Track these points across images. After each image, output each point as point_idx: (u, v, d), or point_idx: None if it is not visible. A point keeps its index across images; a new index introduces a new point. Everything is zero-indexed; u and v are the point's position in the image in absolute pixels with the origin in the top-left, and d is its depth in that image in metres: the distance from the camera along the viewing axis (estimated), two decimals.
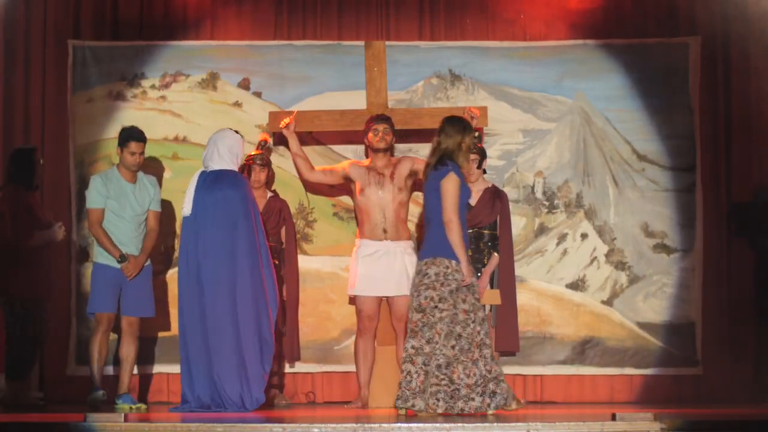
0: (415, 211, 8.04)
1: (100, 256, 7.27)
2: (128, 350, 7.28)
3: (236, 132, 7.12)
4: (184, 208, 6.88)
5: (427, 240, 6.44)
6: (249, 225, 6.80)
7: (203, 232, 6.78)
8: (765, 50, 8.11)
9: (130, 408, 7.05)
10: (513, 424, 5.33)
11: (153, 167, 7.95)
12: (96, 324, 7.23)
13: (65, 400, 7.83)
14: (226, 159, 6.97)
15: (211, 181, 6.89)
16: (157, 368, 8.01)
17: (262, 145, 7.72)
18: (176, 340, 6.93)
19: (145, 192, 7.32)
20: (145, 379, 8.00)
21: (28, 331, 7.39)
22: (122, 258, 7.19)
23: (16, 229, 7.30)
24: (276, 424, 5.31)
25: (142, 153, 7.29)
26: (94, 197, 7.24)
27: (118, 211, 7.22)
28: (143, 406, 7.23)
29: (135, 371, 7.78)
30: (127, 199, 7.23)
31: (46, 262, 7.58)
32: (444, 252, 6.32)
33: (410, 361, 6.25)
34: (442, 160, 6.42)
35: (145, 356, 7.87)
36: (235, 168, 7.00)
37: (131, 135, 7.27)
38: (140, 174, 7.35)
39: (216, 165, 6.94)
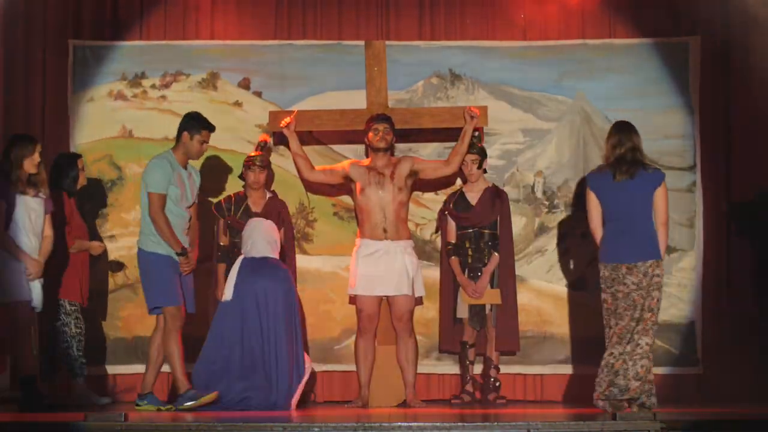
0: (415, 210, 8.05)
1: (155, 245, 6.86)
2: (171, 347, 6.86)
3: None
4: (226, 292, 7.06)
5: (649, 240, 6.41)
6: (291, 313, 7.07)
7: (247, 312, 7.01)
8: (765, 50, 8.10)
9: (158, 409, 6.82)
10: (513, 423, 5.33)
11: None
12: (164, 320, 6.83)
13: (65, 400, 7.83)
14: (266, 246, 7.15)
15: (253, 268, 7.07)
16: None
17: (262, 146, 7.72)
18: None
19: (194, 182, 7.11)
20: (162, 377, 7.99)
21: (81, 326, 7.38)
22: (183, 251, 6.89)
23: (56, 234, 7.21)
24: (276, 424, 5.31)
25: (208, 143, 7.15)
26: (159, 181, 6.84)
27: (177, 199, 6.92)
28: (172, 407, 6.85)
29: (135, 371, 7.80)
30: (185, 188, 6.99)
31: (84, 267, 7.53)
32: (659, 253, 6.44)
33: (647, 357, 6.38)
34: (644, 164, 6.54)
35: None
36: (276, 255, 7.22)
37: (206, 123, 7.01)
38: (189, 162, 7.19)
39: (257, 253, 7.13)
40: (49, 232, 7.00)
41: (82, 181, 7.61)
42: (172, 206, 6.88)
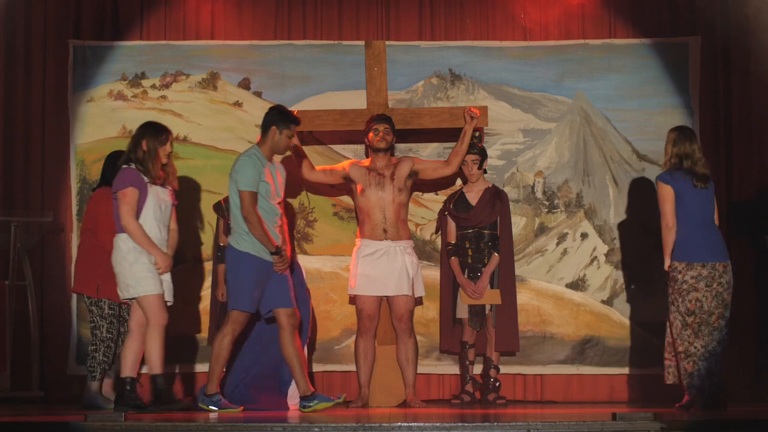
0: (415, 211, 8.05)
1: (248, 244, 6.63)
2: (220, 349, 6.67)
3: None
4: None
5: (720, 242, 6.74)
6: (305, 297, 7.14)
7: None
8: (765, 50, 8.11)
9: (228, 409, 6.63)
10: (513, 424, 5.33)
11: None
12: (233, 320, 6.67)
13: (65, 400, 7.84)
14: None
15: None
16: (183, 367, 8.01)
17: None
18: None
19: (281, 176, 6.88)
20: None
21: (113, 332, 7.24)
22: (277, 250, 6.64)
23: (102, 231, 7.15)
24: (276, 424, 5.31)
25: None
26: (252, 178, 6.62)
27: (267, 195, 6.69)
28: (240, 408, 6.68)
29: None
30: (274, 183, 6.76)
31: None
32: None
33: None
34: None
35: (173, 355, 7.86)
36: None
37: (293, 118, 6.84)
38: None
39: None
40: (174, 225, 6.72)
41: None
42: (263, 202, 6.66)
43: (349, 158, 7.91)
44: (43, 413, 6.58)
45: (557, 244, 8.18)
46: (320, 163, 7.89)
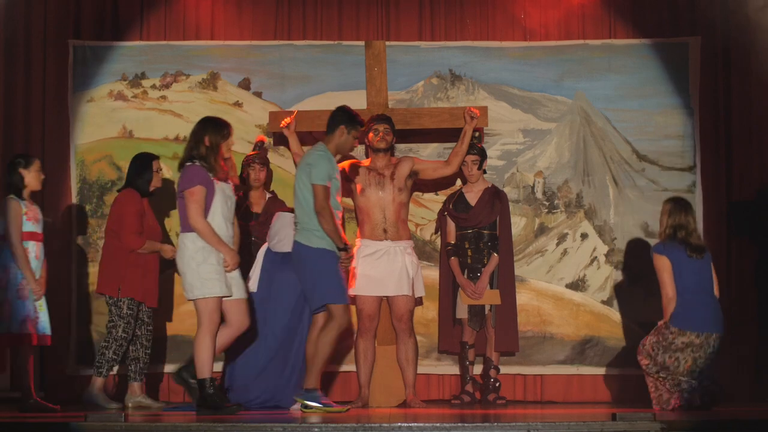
0: (415, 211, 8.05)
1: (320, 240, 6.60)
2: (326, 348, 6.59)
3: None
4: (251, 284, 6.98)
5: (717, 313, 6.84)
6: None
7: (271, 310, 7.01)
8: (765, 50, 8.10)
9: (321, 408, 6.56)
10: (513, 424, 5.33)
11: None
12: (330, 317, 6.56)
13: (65, 400, 7.83)
14: (291, 242, 7.04)
15: (279, 262, 7.02)
16: (169, 368, 8.00)
17: (259, 146, 7.72)
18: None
19: (338, 176, 6.84)
20: (156, 379, 7.98)
21: (129, 332, 7.21)
22: (346, 246, 6.67)
23: (125, 233, 7.15)
24: (276, 424, 5.31)
25: None
26: (326, 173, 6.60)
27: (334, 192, 6.71)
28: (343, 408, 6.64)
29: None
30: (339, 181, 6.80)
31: (154, 268, 7.35)
32: None
33: None
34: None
35: (162, 356, 7.85)
36: None
37: (361, 120, 6.84)
38: None
39: (287, 248, 6.96)
40: (235, 220, 6.58)
41: (156, 183, 7.39)
42: (332, 199, 6.67)
43: (348, 158, 7.90)
44: (43, 413, 6.57)
45: (557, 244, 8.18)
46: None
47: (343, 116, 6.78)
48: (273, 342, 7.01)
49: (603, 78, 8.26)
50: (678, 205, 6.97)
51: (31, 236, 6.92)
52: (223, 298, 6.32)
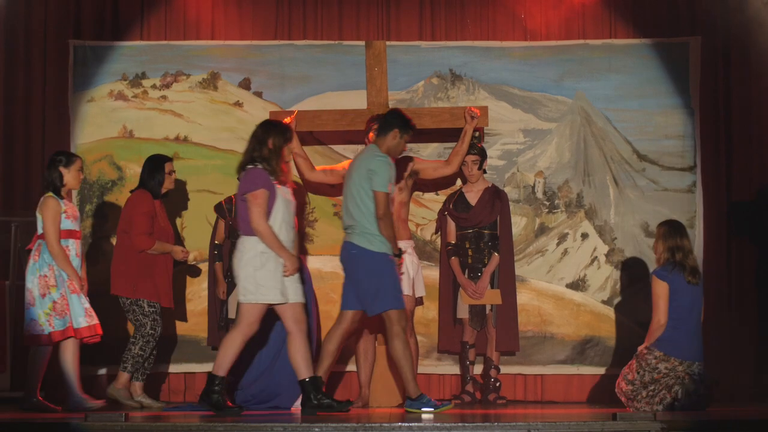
0: (415, 211, 8.05)
1: (382, 245, 6.56)
2: (402, 351, 6.59)
3: None
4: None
5: (700, 343, 6.88)
6: (311, 307, 7.11)
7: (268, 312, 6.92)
8: (765, 50, 8.11)
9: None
10: (513, 424, 5.33)
11: None
12: (397, 320, 6.57)
13: (65, 400, 7.83)
14: (289, 244, 7.02)
15: None
16: (174, 368, 8.00)
17: None
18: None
19: None
20: (161, 378, 7.98)
21: (156, 329, 7.23)
22: (400, 252, 6.72)
23: (135, 233, 7.15)
24: (276, 424, 5.31)
25: None
26: (387, 179, 6.56)
27: (391, 198, 6.70)
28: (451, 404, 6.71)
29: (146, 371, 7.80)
30: (394, 185, 6.75)
31: (167, 269, 7.35)
32: None
33: None
34: None
35: (162, 355, 7.85)
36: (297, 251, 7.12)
37: (413, 125, 6.81)
38: None
39: None
40: (296, 223, 6.54)
41: (168, 185, 7.39)
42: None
43: (349, 158, 7.90)
44: (43, 413, 6.58)
45: (557, 244, 8.18)
46: (320, 163, 7.89)
47: (397, 120, 6.75)
48: (273, 344, 7.01)
49: (603, 78, 8.26)
50: (672, 228, 6.99)
51: (70, 234, 6.84)
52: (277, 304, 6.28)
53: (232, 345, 6.24)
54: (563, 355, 8.08)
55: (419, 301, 7.66)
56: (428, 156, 8.11)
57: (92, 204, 8.16)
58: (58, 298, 6.73)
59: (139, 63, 8.26)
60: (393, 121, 6.74)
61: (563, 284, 8.15)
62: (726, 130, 8.27)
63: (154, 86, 8.25)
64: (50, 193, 6.83)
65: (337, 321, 6.73)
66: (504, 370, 7.81)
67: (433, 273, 7.95)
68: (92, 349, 7.84)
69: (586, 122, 8.24)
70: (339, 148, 8.19)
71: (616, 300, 8.11)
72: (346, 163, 7.58)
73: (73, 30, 8.29)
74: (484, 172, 7.73)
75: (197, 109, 8.24)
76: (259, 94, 8.27)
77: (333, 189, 7.95)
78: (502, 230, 7.65)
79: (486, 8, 8.38)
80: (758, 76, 8.18)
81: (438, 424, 5.34)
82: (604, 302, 8.11)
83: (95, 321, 6.85)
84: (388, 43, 8.03)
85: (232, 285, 7.50)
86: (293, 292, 6.32)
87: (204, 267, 7.99)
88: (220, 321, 7.64)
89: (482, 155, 7.68)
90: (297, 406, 6.90)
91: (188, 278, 8.05)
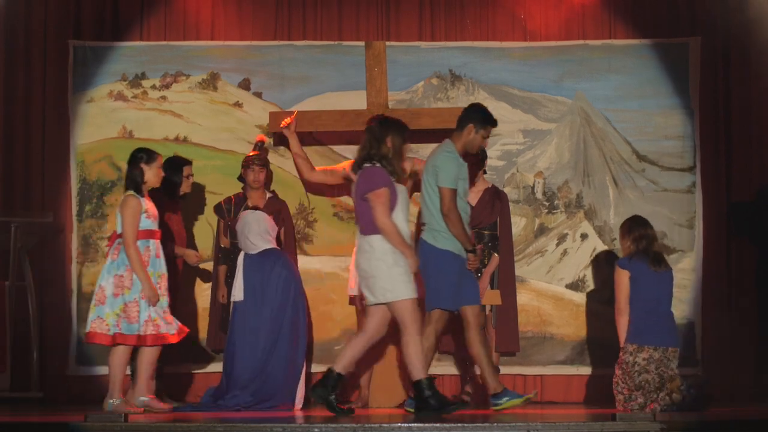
0: (415, 211, 8.04)
1: (447, 241, 6.52)
2: (411, 349, 6.37)
3: (255, 208, 7.25)
4: (235, 293, 7.00)
5: (673, 328, 6.92)
6: (299, 302, 7.14)
7: (256, 314, 7.03)
8: (765, 50, 8.11)
9: (526, 401, 6.50)
10: (513, 424, 5.33)
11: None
12: (435, 320, 6.55)
13: (65, 400, 7.84)
14: (260, 240, 7.11)
15: (253, 266, 7.07)
16: (173, 369, 7.98)
17: (259, 146, 7.72)
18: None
19: (466, 175, 6.73)
20: (160, 379, 7.97)
21: None
22: (473, 248, 6.60)
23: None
24: (276, 424, 5.31)
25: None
26: (454, 175, 6.51)
27: (463, 193, 6.62)
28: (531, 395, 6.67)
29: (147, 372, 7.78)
30: (466, 182, 6.68)
31: (180, 273, 7.33)
32: None
33: None
34: None
35: (168, 356, 7.84)
36: (273, 244, 7.20)
37: (492, 119, 6.69)
38: None
39: (254, 249, 7.09)
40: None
41: (185, 188, 7.33)
42: (459, 201, 6.57)
43: (349, 159, 7.90)
44: (43, 413, 6.57)
45: (557, 244, 8.18)
46: (320, 163, 7.89)
47: (474, 114, 6.69)
48: (264, 344, 7.01)
49: (603, 78, 8.26)
50: (635, 221, 7.07)
51: (151, 234, 6.59)
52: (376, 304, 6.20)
53: (413, 348, 6.13)
54: (563, 356, 8.08)
55: (419, 302, 7.64)
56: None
57: (92, 204, 8.15)
58: (130, 301, 6.46)
59: (139, 63, 8.26)
60: (468, 116, 6.68)
61: (563, 285, 8.15)
62: (726, 130, 8.27)
63: (153, 87, 8.25)
64: (131, 192, 6.57)
65: (426, 321, 6.62)
66: (504, 370, 7.80)
67: None
68: (92, 349, 7.86)
69: (586, 123, 8.24)
70: (339, 148, 8.18)
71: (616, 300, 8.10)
72: (346, 164, 7.59)
73: (73, 30, 8.29)
74: (484, 172, 7.73)
75: (197, 109, 8.24)
76: (258, 95, 8.27)
77: (333, 189, 7.96)
78: (502, 231, 7.65)
79: (486, 9, 8.38)
80: (758, 77, 8.18)
81: (438, 425, 5.34)
82: (603, 302, 8.10)
83: (165, 330, 6.51)
84: (387, 43, 8.03)
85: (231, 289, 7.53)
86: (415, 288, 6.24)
87: (206, 266, 7.98)
88: (221, 324, 7.63)
89: (482, 155, 7.67)
90: (298, 405, 6.92)
91: (198, 280, 8.03)
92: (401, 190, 6.28)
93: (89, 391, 7.92)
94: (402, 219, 6.22)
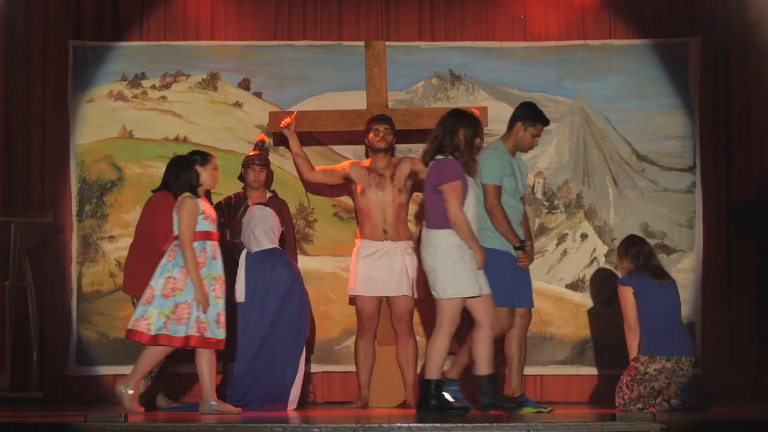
0: (414, 211, 8.04)
1: (493, 240, 6.52)
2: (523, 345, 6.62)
3: (265, 205, 7.27)
4: (237, 294, 6.98)
5: (686, 337, 6.93)
6: (303, 300, 7.18)
7: (254, 311, 7.07)
8: (765, 50, 8.11)
9: (539, 411, 6.49)
10: (513, 424, 5.32)
11: (156, 167, 8.01)
12: (500, 319, 6.50)
13: (65, 400, 7.83)
14: (264, 237, 7.12)
15: (259, 262, 7.09)
16: (172, 369, 7.97)
17: (260, 146, 7.71)
18: None
19: (522, 172, 6.77)
20: (168, 379, 7.97)
21: None
22: (522, 245, 6.60)
23: (160, 236, 6.94)
24: (276, 424, 5.31)
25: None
26: (496, 172, 6.52)
27: (512, 191, 6.62)
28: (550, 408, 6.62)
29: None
30: (516, 179, 6.66)
31: None
32: None
33: None
34: None
35: (174, 356, 7.84)
36: (275, 243, 7.23)
37: (542, 117, 6.68)
38: None
39: (256, 246, 7.13)
40: None
41: (211, 184, 7.21)
42: (508, 198, 6.58)
43: (349, 159, 7.91)
44: (43, 413, 6.57)
45: (557, 244, 8.18)
46: (320, 163, 7.89)
47: (523, 112, 6.69)
48: (261, 344, 7.01)
49: (603, 78, 8.26)
50: (630, 240, 7.11)
51: (209, 236, 6.51)
52: (470, 297, 6.14)
53: (439, 346, 6.10)
54: (563, 356, 8.08)
55: (419, 302, 7.65)
56: None
57: (92, 204, 8.15)
58: (182, 303, 6.37)
59: (139, 63, 8.26)
60: (518, 114, 6.69)
61: (563, 285, 8.15)
62: (726, 130, 8.27)
63: (153, 87, 8.25)
64: (188, 194, 6.52)
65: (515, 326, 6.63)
66: (504, 370, 7.79)
67: None
68: (92, 349, 7.88)
69: (586, 123, 8.24)
70: (339, 148, 8.18)
71: (616, 300, 8.09)
72: (345, 164, 7.59)
73: (73, 30, 8.28)
74: None
75: (197, 109, 8.24)
76: (258, 95, 8.27)
77: (332, 189, 7.96)
78: None
79: (486, 9, 8.38)
80: (758, 77, 8.18)
81: (438, 425, 5.34)
82: (603, 302, 8.10)
83: (210, 334, 6.39)
84: (387, 43, 8.03)
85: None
86: (484, 284, 6.19)
87: None
88: None
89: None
90: (291, 406, 6.92)
91: None
92: (471, 183, 6.24)
93: (89, 391, 7.92)
94: (472, 213, 6.17)
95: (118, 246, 8.08)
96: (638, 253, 6.96)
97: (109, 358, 8.01)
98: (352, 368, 7.65)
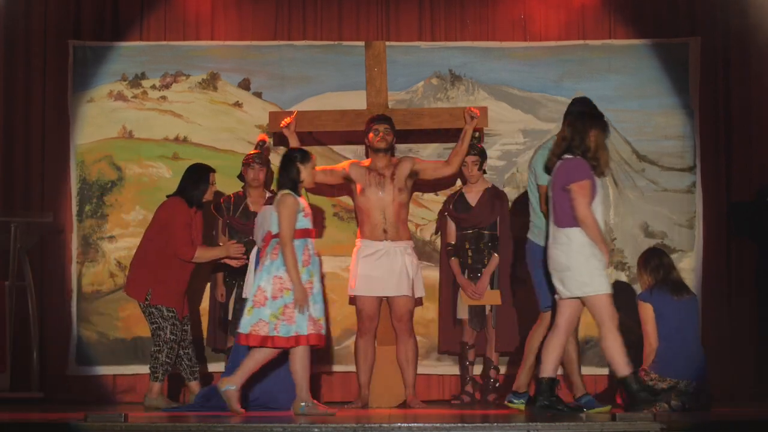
0: (415, 211, 8.05)
1: (541, 238, 6.53)
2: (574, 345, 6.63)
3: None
4: (246, 290, 6.91)
5: (701, 360, 6.83)
6: None
7: None
8: (765, 50, 8.11)
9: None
10: (513, 424, 5.32)
11: (156, 167, 8.01)
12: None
13: (65, 400, 7.83)
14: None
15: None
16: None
17: (260, 145, 7.72)
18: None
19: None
20: (168, 379, 7.97)
21: (177, 334, 7.12)
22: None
23: (179, 244, 7.01)
24: (276, 424, 5.31)
25: None
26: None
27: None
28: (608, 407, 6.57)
29: (134, 371, 7.77)
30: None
31: (185, 278, 7.23)
32: None
33: None
34: None
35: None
36: None
37: (605, 124, 6.49)
38: None
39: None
40: None
41: (208, 196, 7.30)
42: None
43: (349, 158, 7.91)
44: (43, 413, 6.57)
45: None
46: (320, 163, 7.87)
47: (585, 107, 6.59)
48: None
49: (603, 78, 8.26)
50: (650, 253, 7.04)
51: (307, 233, 6.46)
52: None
53: (614, 344, 6.07)
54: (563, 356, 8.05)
55: (419, 302, 7.66)
56: (428, 156, 8.11)
57: (92, 204, 8.16)
58: (290, 303, 6.29)
59: (139, 63, 8.26)
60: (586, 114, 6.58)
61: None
62: (726, 130, 8.27)
63: (153, 87, 8.26)
64: (288, 191, 6.47)
65: (538, 323, 6.65)
66: (503, 370, 7.80)
67: (433, 273, 7.95)
68: (92, 349, 7.87)
69: None
70: (338, 148, 8.19)
71: (616, 301, 8.08)
72: (345, 164, 7.59)
73: (73, 30, 8.29)
74: (484, 172, 7.73)
75: (197, 109, 8.24)
76: (258, 95, 8.27)
77: (332, 189, 7.96)
78: (502, 231, 7.65)
79: (486, 9, 8.39)
80: (758, 77, 8.18)
81: (438, 425, 5.34)
82: None
83: (320, 330, 6.36)
84: (387, 43, 8.03)
85: (230, 288, 7.53)
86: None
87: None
88: (220, 323, 7.63)
89: (482, 156, 7.67)
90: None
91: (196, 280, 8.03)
92: (600, 184, 6.26)
93: (89, 391, 7.93)
94: (600, 213, 6.18)
95: (118, 246, 8.09)
96: (657, 266, 6.90)
97: (109, 358, 8.01)
98: (352, 368, 7.65)
